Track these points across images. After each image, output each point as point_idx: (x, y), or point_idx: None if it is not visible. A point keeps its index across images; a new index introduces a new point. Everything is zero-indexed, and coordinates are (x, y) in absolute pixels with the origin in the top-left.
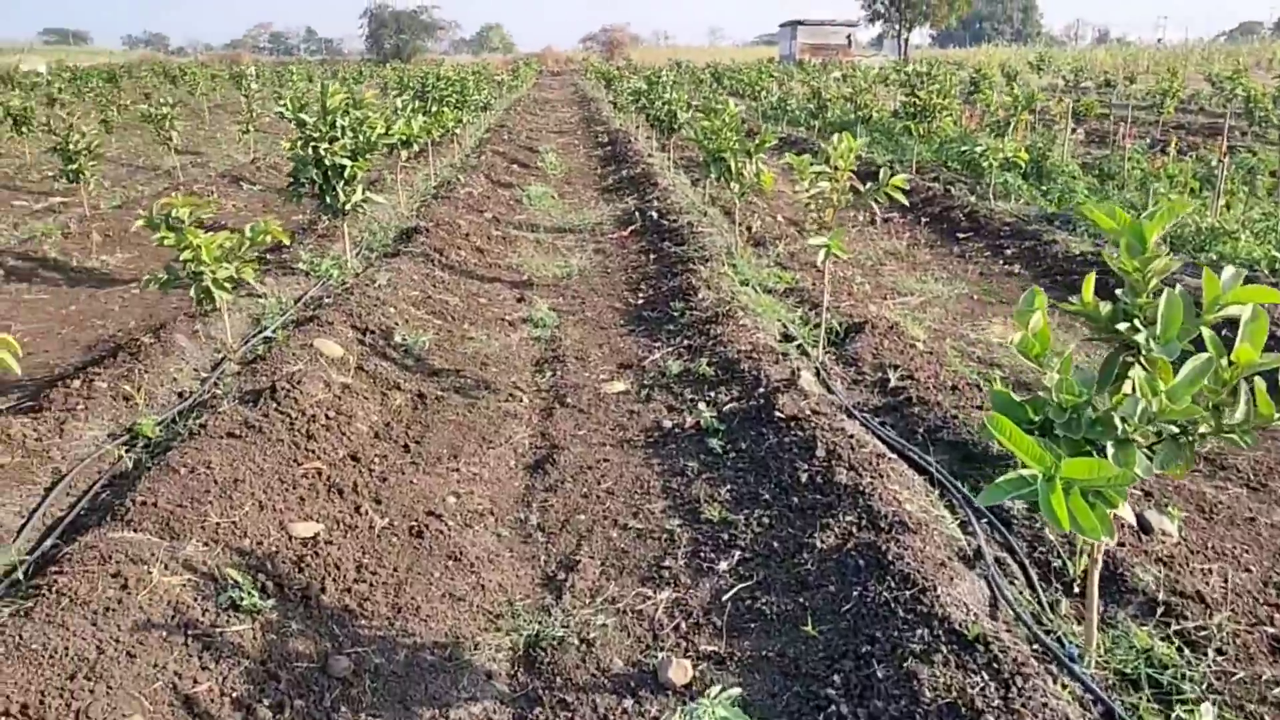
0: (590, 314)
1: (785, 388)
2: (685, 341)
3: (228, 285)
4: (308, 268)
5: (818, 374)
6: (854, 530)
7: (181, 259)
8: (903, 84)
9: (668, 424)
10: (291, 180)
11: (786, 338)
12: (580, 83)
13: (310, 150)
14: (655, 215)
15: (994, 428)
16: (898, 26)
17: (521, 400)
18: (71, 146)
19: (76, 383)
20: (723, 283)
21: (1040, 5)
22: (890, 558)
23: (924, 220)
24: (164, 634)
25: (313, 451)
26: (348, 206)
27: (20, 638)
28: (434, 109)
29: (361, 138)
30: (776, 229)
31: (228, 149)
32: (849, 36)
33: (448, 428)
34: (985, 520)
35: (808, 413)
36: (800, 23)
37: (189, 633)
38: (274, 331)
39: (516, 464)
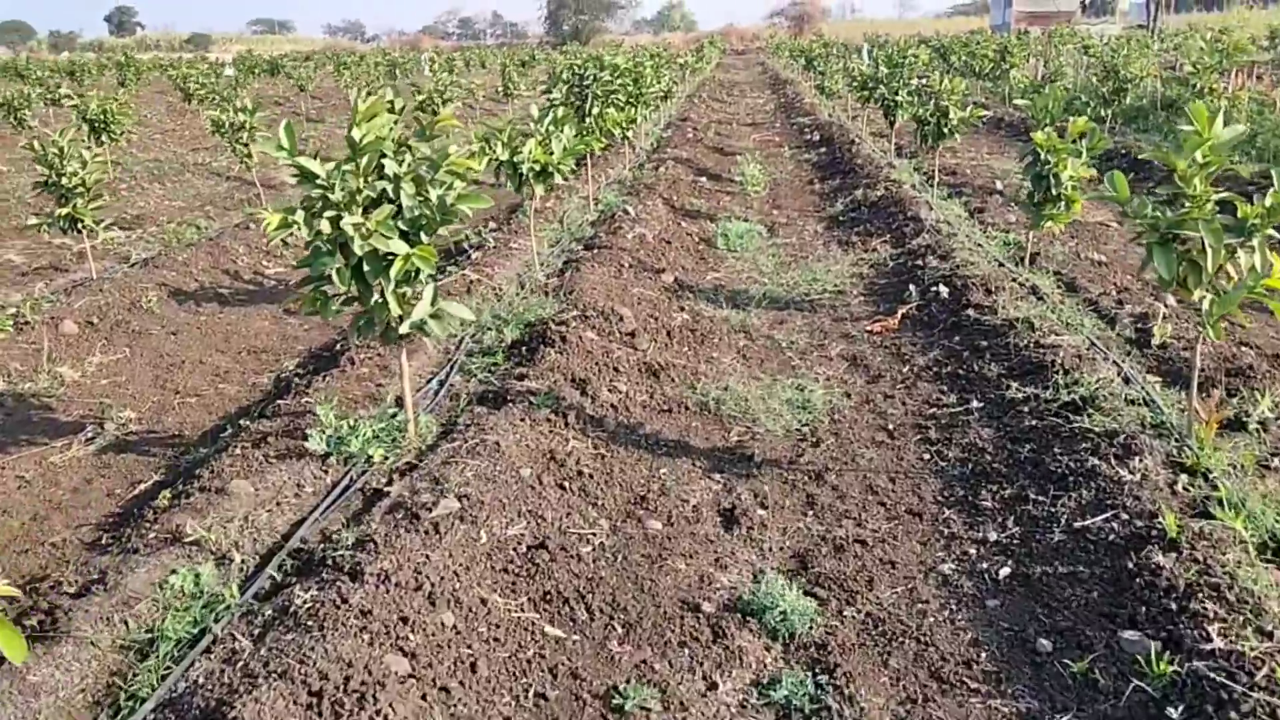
0: (892, 600)
1: None
2: None
3: None
4: (327, 444)
5: None
6: None
7: None
8: None
9: None
10: (308, 275)
11: None
12: (768, 62)
13: (327, 225)
14: (944, 290)
15: None
16: None
17: None
18: (65, 181)
19: None
20: (1229, 559)
21: None
22: None
23: None
24: None
25: None
26: (402, 329)
27: None
28: (593, 111)
29: (433, 198)
30: (1195, 337)
31: None
32: (1082, 2)
33: None
34: None
35: None
36: None
37: None
38: None
39: None
